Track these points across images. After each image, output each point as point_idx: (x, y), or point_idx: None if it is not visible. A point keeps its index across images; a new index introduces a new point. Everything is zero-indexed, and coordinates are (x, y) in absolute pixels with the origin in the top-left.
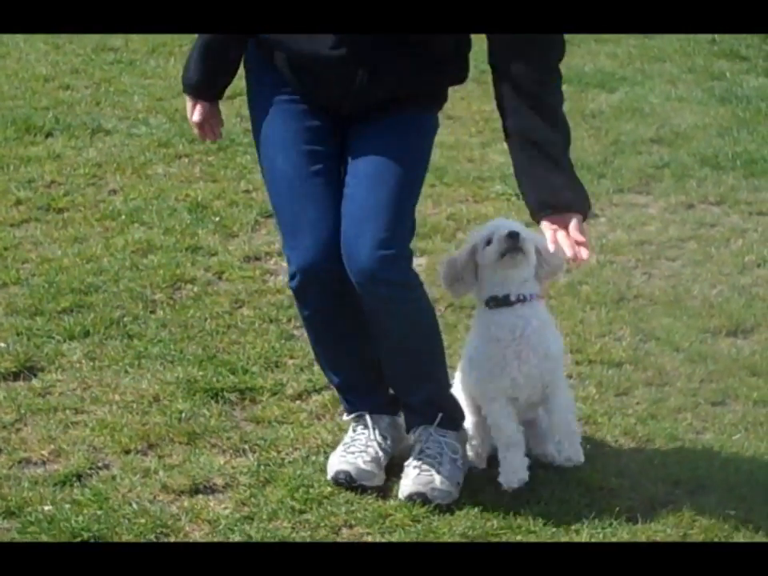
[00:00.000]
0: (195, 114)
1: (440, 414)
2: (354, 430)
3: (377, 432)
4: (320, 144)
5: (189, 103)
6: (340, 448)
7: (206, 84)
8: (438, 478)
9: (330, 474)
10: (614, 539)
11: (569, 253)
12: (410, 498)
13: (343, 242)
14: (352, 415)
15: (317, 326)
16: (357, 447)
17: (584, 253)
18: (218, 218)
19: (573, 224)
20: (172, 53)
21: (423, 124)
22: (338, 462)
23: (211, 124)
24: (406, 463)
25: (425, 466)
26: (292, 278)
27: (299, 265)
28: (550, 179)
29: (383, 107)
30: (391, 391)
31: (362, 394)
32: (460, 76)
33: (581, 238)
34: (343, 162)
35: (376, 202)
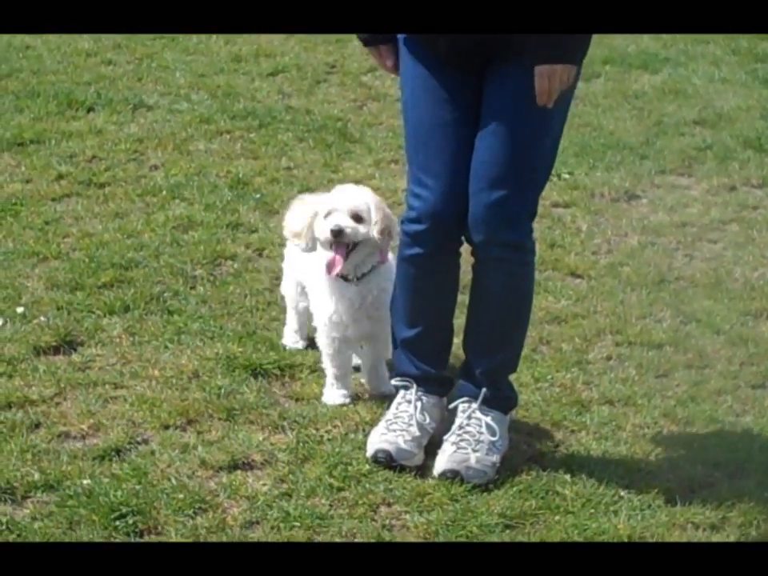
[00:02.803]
0: (387, 60)
1: (484, 390)
2: (397, 407)
3: (419, 410)
4: (458, 96)
5: (374, 56)
6: (382, 424)
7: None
8: (473, 457)
9: (370, 452)
10: (652, 521)
11: (540, 102)
12: (444, 474)
13: (470, 196)
14: (401, 381)
15: (416, 270)
16: (399, 425)
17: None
18: (258, 195)
19: (557, 75)
20: None
21: None
22: (378, 440)
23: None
24: (444, 437)
25: (462, 443)
26: (412, 221)
27: (424, 210)
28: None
29: (516, 50)
30: (445, 372)
31: (422, 358)
32: None
33: (553, 92)
34: (480, 110)
35: (504, 158)
